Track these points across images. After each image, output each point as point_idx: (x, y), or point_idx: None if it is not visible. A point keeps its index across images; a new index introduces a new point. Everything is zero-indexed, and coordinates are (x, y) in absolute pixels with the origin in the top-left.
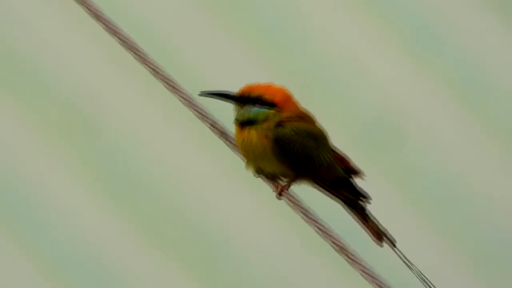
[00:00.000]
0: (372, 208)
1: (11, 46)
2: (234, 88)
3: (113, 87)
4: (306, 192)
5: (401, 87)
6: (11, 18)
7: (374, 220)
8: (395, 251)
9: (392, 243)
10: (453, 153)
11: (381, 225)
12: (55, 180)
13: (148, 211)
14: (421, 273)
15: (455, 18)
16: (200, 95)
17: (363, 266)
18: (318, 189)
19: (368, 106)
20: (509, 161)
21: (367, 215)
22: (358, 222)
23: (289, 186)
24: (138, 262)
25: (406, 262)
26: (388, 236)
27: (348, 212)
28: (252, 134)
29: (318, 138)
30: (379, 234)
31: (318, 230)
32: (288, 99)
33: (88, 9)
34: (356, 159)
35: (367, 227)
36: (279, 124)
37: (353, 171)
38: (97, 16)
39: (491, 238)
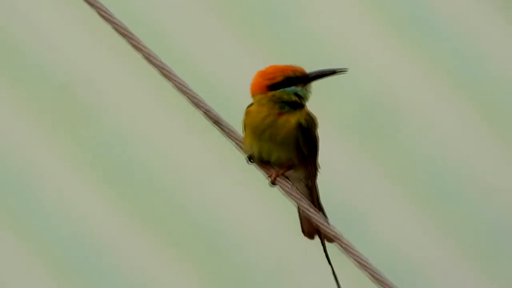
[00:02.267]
0: (365, 196)
1: (7, 34)
2: (230, 76)
3: (109, 74)
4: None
5: (397, 74)
6: (5, 7)
7: (324, 215)
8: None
9: (329, 240)
10: (448, 140)
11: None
12: (52, 168)
13: (143, 197)
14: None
15: (451, 5)
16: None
17: (357, 254)
18: (296, 180)
19: (364, 93)
20: (506, 147)
21: (321, 207)
22: (299, 215)
23: (283, 173)
24: (132, 247)
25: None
26: (330, 232)
27: (297, 201)
28: (293, 118)
29: (317, 125)
30: (318, 231)
31: (313, 216)
32: None
33: None
34: (351, 145)
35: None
36: (307, 113)
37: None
38: (91, 2)
39: (489, 226)
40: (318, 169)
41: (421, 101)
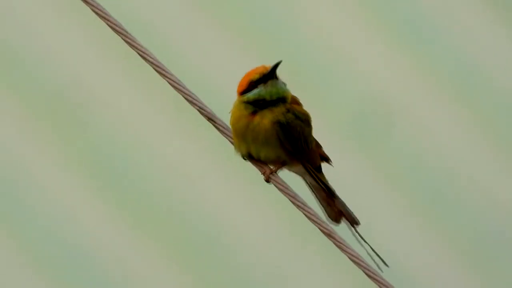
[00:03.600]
0: (359, 198)
1: (3, 41)
2: (223, 75)
3: (102, 77)
4: (293, 179)
5: (392, 78)
6: (2, 12)
7: (341, 201)
8: (351, 230)
9: (356, 223)
10: (443, 145)
11: (345, 206)
12: (45, 171)
13: (138, 199)
14: (375, 251)
15: (445, 9)
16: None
17: (351, 251)
18: (300, 174)
19: (357, 96)
20: (501, 152)
21: (335, 195)
22: (323, 203)
23: (276, 170)
24: (127, 251)
25: (362, 240)
26: (352, 216)
27: (314, 194)
28: (265, 118)
29: (310, 122)
30: (341, 214)
31: (307, 214)
32: None
33: None
34: (345, 148)
35: (332, 207)
36: (288, 109)
37: (324, 157)
38: (87, 1)
39: (485, 230)
40: (330, 162)
41: (416, 105)
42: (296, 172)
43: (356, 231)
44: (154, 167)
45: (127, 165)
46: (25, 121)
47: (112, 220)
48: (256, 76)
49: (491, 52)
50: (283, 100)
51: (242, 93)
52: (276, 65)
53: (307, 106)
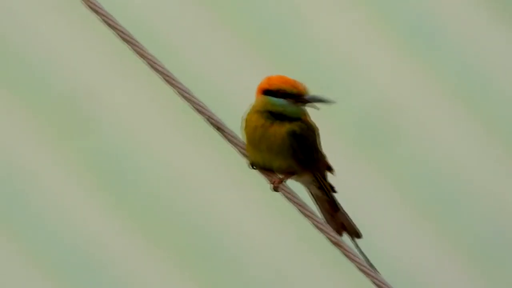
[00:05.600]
0: (365, 203)
1: (8, 43)
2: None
3: (110, 84)
4: (300, 188)
5: (396, 83)
6: (7, 16)
7: (343, 212)
8: (353, 244)
9: (356, 236)
10: (449, 150)
11: (348, 218)
12: (52, 177)
13: (144, 207)
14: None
15: (451, 13)
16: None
17: (360, 260)
18: (305, 184)
19: (363, 102)
20: (506, 157)
21: (338, 207)
22: (321, 214)
23: (286, 179)
24: (132, 256)
25: (365, 256)
26: (355, 228)
27: (315, 203)
28: (283, 129)
29: (317, 131)
30: (343, 227)
31: (316, 223)
32: None
33: (86, 3)
34: (350, 155)
35: (333, 218)
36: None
37: (328, 167)
38: (95, 9)
39: (489, 236)
40: (333, 172)
41: (423, 112)
42: (301, 182)
43: (356, 245)
44: (161, 174)
45: (134, 172)
46: (29, 124)
47: (116, 225)
48: (290, 89)
49: (499, 59)
50: (298, 119)
51: (266, 92)
52: (318, 100)
53: (313, 113)
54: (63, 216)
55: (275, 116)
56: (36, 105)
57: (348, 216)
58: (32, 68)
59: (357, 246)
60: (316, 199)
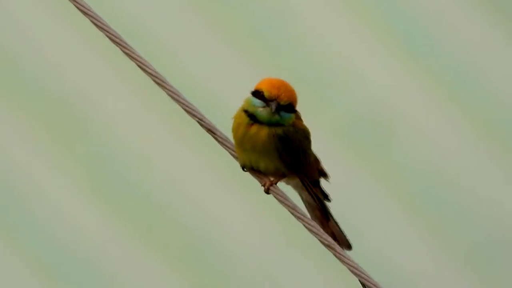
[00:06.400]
0: (359, 206)
1: (0, 46)
2: (224, 86)
3: (103, 86)
4: (290, 190)
5: (391, 86)
6: (1, 17)
7: (334, 223)
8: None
9: (348, 247)
10: (443, 152)
11: (339, 229)
12: (45, 179)
13: (136, 209)
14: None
15: (445, 15)
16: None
17: (351, 263)
18: (295, 188)
19: (356, 104)
20: (502, 160)
21: (329, 216)
22: (317, 222)
23: (277, 182)
24: (126, 259)
25: (356, 268)
26: (345, 239)
27: (309, 211)
28: (262, 131)
29: (309, 136)
30: (335, 237)
31: (307, 226)
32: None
33: (76, 4)
34: (343, 156)
35: (325, 227)
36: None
37: (322, 173)
38: (83, 11)
39: (485, 239)
40: (327, 178)
41: (417, 114)
42: (293, 187)
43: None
44: (153, 177)
45: (127, 174)
46: (24, 128)
47: (110, 228)
48: (266, 91)
49: (493, 61)
50: (280, 125)
51: (253, 92)
52: (277, 113)
53: (306, 115)
54: (58, 218)
55: (250, 116)
56: (30, 108)
57: (339, 227)
58: (25, 71)
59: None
60: (307, 205)
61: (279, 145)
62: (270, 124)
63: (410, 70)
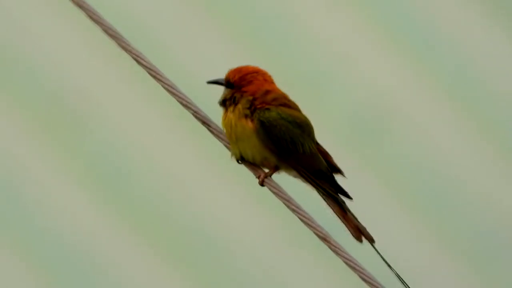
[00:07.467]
0: (357, 203)
1: (0, 43)
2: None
3: (100, 82)
4: (288, 183)
5: (388, 81)
6: (0, 16)
7: (352, 217)
8: (374, 248)
9: (371, 240)
10: (441, 148)
11: (359, 223)
12: (43, 175)
13: (135, 204)
14: (397, 274)
15: (445, 13)
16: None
17: (346, 255)
18: (300, 180)
19: (354, 100)
20: (499, 157)
21: (346, 209)
22: (338, 217)
23: (271, 174)
24: (123, 252)
25: (385, 260)
26: (366, 233)
27: (329, 206)
28: (232, 114)
29: (303, 125)
30: (358, 230)
31: (301, 218)
32: (245, 78)
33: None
34: (342, 153)
35: (346, 221)
36: (253, 105)
37: (334, 168)
38: (79, 4)
39: (483, 235)
40: (339, 173)
41: (415, 110)
42: (297, 178)
43: (378, 252)
44: (149, 170)
45: (122, 168)
46: (24, 126)
47: (109, 224)
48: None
49: (491, 58)
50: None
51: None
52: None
53: (306, 112)
54: (56, 214)
55: (222, 103)
56: (29, 105)
57: (358, 220)
58: (23, 67)
59: (378, 254)
60: (326, 201)
61: (260, 131)
62: (224, 103)
63: (409, 68)
